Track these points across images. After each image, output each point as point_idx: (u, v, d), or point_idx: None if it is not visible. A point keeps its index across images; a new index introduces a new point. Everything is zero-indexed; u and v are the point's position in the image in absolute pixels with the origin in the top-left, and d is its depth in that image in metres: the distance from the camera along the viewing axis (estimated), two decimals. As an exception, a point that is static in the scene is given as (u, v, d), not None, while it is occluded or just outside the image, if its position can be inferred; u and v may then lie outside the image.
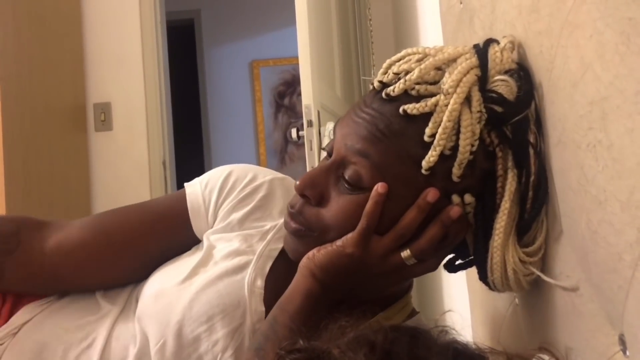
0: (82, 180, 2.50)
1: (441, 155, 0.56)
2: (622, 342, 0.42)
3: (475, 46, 0.60)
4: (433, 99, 0.56)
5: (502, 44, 0.59)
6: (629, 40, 0.38)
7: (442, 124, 0.55)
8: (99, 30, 2.55)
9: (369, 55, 2.38)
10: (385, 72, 0.61)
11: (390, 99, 0.59)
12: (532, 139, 0.55)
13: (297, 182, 0.63)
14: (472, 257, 0.63)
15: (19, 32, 2.19)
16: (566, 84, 0.47)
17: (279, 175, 0.79)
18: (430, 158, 0.56)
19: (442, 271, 0.69)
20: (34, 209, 2.17)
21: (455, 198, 0.58)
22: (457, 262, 0.66)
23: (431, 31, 1.35)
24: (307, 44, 1.66)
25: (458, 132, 0.56)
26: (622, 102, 0.38)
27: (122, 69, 2.54)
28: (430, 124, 0.56)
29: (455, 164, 0.56)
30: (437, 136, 0.56)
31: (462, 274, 0.70)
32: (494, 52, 0.58)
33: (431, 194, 0.57)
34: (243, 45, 4.36)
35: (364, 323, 0.48)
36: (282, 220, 0.74)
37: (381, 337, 0.44)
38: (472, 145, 0.56)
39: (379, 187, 0.58)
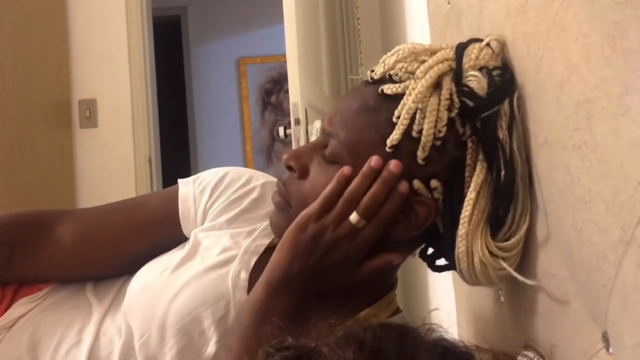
0: (67, 178, 2.48)
1: (407, 136, 0.59)
2: (606, 339, 0.43)
3: (459, 44, 0.62)
4: (406, 82, 0.60)
5: (483, 42, 0.60)
6: (614, 43, 0.38)
7: (407, 105, 0.59)
8: (84, 26, 2.53)
9: (357, 54, 2.38)
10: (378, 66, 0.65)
11: (374, 81, 0.63)
12: (501, 135, 0.57)
13: (284, 156, 0.66)
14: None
15: (3, 27, 2.16)
16: (552, 85, 0.48)
17: (273, 179, 0.81)
18: (393, 136, 0.60)
19: (427, 270, 0.69)
20: (18, 206, 2.14)
21: (417, 183, 0.60)
22: (438, 262, 0.67)
23: (419, 31, 1.36)
24: (294, 41, 1.66)
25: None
26: (607, 103, 0.39)
27: (107, 66, 2.52)
28: (399, 106, 0.60)
29: (420, 147, 0.59)
30: (401, 115, 0.59)
31: (447, 272, 0.70)
32: (471, 48, 0.60)
33: (374, 160, 0.60)
34: (230, 43, 4.34)
35: (352, 321, 0.48)
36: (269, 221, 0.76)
37: (370, 334, 0.44)
38: (439, 131, 0.59)
39: (345, 169, 0.61)
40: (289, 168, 0.66)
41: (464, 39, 0.64)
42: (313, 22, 1.98)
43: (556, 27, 0.47)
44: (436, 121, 0.58)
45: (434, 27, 0.94)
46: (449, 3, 0.82)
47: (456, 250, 0.59)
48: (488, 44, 0.60)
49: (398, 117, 0.60)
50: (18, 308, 0.78)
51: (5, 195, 2.09)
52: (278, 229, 0.67)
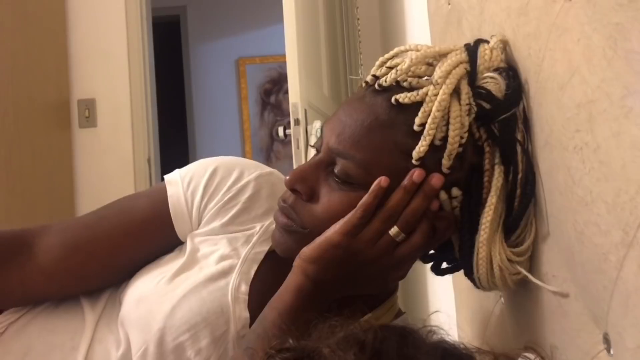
0: (66, 178, 2.48)
1: (431, 146, 0.57)
2: (607, 340, 0.43)
3: (466, 45, 0.61)
4: (424, 89, 0.57)
5: (492, 43, 0.60)
6: (616, 44, 0.38)
7: (432, 114, 0.56)
8: (83, 25, 2.52)
9: (357, 55, 2.38)
10: (378, 69, 0.62)
11: (383, 89, 0.60)
12: (519, 137, 0.56)
13: (287, 177, 0.62)
14: (458, 261, 0.63)
15: (3, 27, 2.15)
16: (554, 86, 0.48)
17: (266, 170, 0.78)
18: (420, 148, 0.57)
19: (428, 271, 0.69)
20: (17, 206, 2.14)
21: (442, 194, 0.58)
22: (443, 265, 0.66)
23: (419, 32, 1.36)
24: (294, 42, 1.66)
25: (447, 123, 0.57)
26: (608, 105, 0.39)
27: (107, 65, 2.52)
28: (419, 114, 0.57)
29: (445, 155, 0.57)
30: (427, 125, 0.56)
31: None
32: (483, 49, 0.59)
33: (417, 174, 0.57)
34: (229, 43, 4.34)
35: (353, 322, 0.48)
36: (267, 222, 0.74)
37: (371, 336, 0.44)
38: (462, 137, 0.57)
39: (382, 181, 0.58)
40: (294, 191, 0.62)
41: (464, 40, 0.63)
42: (313, 22, 1.98)
43: (557, 28, 0.46)
44: (460, 127, 0.56)
45: (434, 28, 0.94)
46: (449, 4, 0.82)
47: (475, 257, 0.58)
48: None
49: (420, 126, 0.57)
50: (10, 315, 0.75)
51: (4, 194, 2.09)
52: (288, 251, 0.64)
